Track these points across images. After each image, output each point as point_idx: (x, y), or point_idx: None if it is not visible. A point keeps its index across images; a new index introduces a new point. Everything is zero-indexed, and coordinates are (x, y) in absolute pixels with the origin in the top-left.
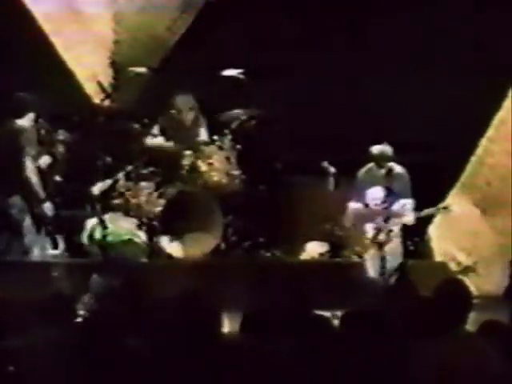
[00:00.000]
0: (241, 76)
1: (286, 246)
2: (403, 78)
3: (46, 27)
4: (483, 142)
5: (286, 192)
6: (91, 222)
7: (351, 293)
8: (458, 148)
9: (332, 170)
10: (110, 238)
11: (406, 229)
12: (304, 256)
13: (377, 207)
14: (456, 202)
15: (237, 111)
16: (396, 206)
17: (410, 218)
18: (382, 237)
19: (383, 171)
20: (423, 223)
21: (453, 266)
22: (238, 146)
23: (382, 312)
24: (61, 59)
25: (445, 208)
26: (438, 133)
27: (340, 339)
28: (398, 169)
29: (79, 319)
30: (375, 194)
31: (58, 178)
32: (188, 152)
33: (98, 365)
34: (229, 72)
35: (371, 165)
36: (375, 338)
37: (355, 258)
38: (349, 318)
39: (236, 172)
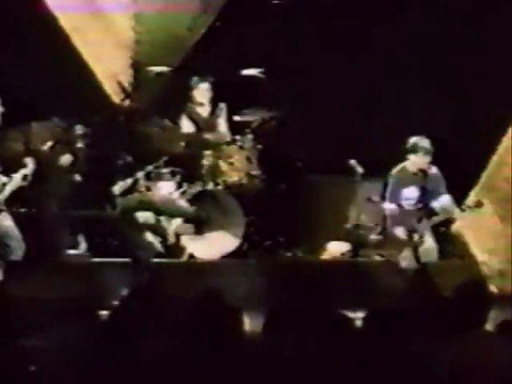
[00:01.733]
0: (261, 75)
1: (306, 245)
2: (423, 77)
3: (67, 27)
4: (504, 140)
5: (307, 191)
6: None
7: (372, 293)
8: (479, 147)
9: (360, 169)
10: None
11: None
12: (325, 256)
13: (411, 207)
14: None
15: (257, 111)
16: (435, 204)
17: (454, 212)
18: (415, 238)
19: (417, 171)
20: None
21: (485, 269)
22: (259, 146)
23: (402, 312)
24: (81, 59)
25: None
26: (459, 132)
27: (360, 339)
28: (432, 169)
29: (100, 318)
30: (409, 194)
31: (78, 178)
32: (208, 151)
33: (118, 364)
34: (249, 72)
35: (404, 164)
36: (395, 337)
37: (377, 258)
38: (370, 318)
39: (257, 172)
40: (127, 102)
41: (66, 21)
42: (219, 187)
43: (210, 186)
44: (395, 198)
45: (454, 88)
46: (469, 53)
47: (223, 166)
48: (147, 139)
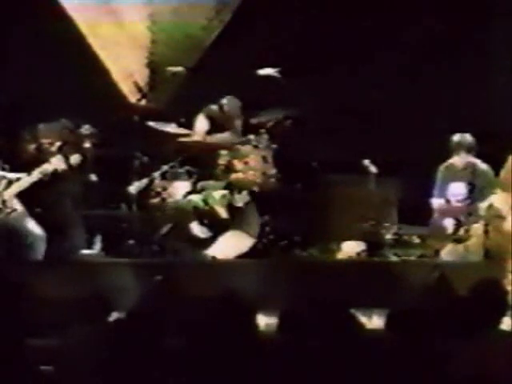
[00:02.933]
0: (277, 75)
1: (322, 245)
2: (440, 75)
3: (83, 27)
4: None
5: (322, 191)
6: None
7: (389, 293)
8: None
9: (373, 169)
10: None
11: None
12: (341, 255)
13: (458, 203)
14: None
15: (273, 110)
16: (482, 204)
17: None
18: (461, 232)
19: (465, 167)
20: None
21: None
22: (274, 146)
23: (419, 312)
24: (97, 59)
25: None
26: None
27: (377, 340)
28: (481, 165)
29: (115, 318)
30: (457, 190)
31: (93, 178)
32: (224, 151)
33: (135, 364)
34: (265, 71)
35: (452, 160)
36: (413, 337)
37: (393, 258)
38: (387, 319)
39: (272, 171)
40: (143, 102)
41: (81, 21)
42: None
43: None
44: (443, 193)
45: (471, 85)
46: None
47: (238, 165)
48: (162, 139)
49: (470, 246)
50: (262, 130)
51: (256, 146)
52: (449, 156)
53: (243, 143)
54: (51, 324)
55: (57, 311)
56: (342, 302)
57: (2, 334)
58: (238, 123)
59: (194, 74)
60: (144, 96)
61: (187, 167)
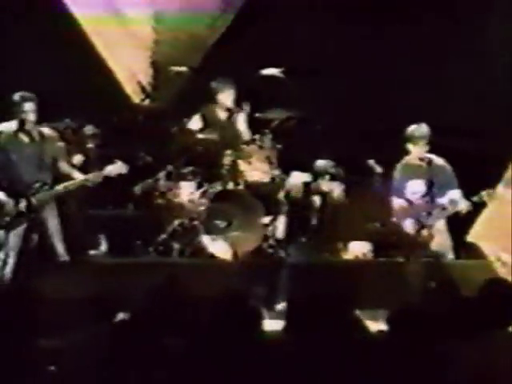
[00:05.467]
0: (281, 75)
1: (328, 245)
2: (448, 74)
3: (86, 27)
4: None
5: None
6: None
7: (395, 293)
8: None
9: (378, 169)
10: None
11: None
12: (347, 256)
13: (418, 201)
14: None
15: (277, 110)
16: (443, 199)
17: (464, 206)
18: (425, 233)
19: (422, 163)
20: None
21: (497, 266)
22: (279, 146)
23: (425, 312)
24: (101, 59)
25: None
26: (489, 121)
27: (383, 340)
28: (437, 160)
29: (119, 319)
30: (415, 188)
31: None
32: (228, 151)
33: (139, 364)
34: (269, 71)
35: (409, 157)
36: (418, 338)
37: (400, 258)
38: (393, 319)
39: (276, 171)
40: (147, 102)
41: (85, 21)
42: (239, 187)
43: (231, 185)
44: (401, 192)
45: (478, 84)
46: (499, 40)
47: (243, 165)
48: (167, 139)
49: (434, 246)
50: (266, 130)
51: (260, 147)
52: (404, 148)
53: (248, 143)
54: (58, 325)
55: (63, 312)
56: (348, 302)
57: (11, 335)
58: (241, 121)
59: (198, 74)
60: (148, 96)
61: (192, 167)
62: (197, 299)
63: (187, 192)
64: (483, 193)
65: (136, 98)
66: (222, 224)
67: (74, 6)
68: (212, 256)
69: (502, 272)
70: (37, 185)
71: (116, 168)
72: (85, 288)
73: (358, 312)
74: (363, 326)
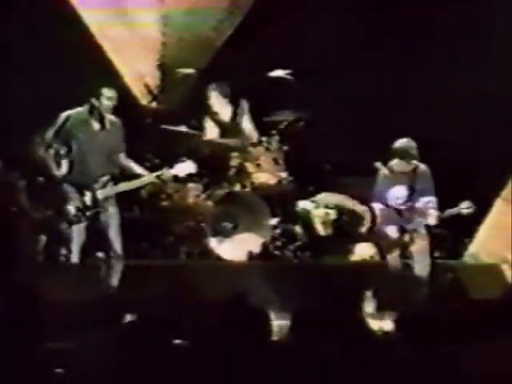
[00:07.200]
0: (288, 77)
1: (334, 247)
2: (454, 79)
3: (94, 29)
4: None
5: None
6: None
7: (401, 295)
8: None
9: (385, 171)
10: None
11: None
12: (353, 258)
13: (400, 207)
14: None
15: (284, 112)
16: (419, 204)
17: (432, 219)
18: (406, 238)
19: (405, 169)
20: (473, 223)
21: (505, 268)
22: (286, 148)
23: (432, 316)
24: (108, 61)
25: (467, 208)
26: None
27: (390, 343)
28: (422, 167)
29: (127, 321)
30: (398, 193)
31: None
32: (235, 153)
33: (146, 366)
34: (276, 73)
35: (392, 163)
36: (425, 341)
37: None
38: (400, 321)
39: (284, 173)
40: (154, 104)
41: (92, 23)
42: (246, 189)
43: (237, 187)
44: (382, 198)
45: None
46: (488, 51)
47: (250, 167)
48: (174, 141)
49: (415, 250)
50: (274, 132)
51: (267, 149)
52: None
53: (255, 145)
54: (66, 326)
55: (72, 313)
56: (354, 304)
57: (18, 337)
58: (246, 121)
59: (205, 76)
60: (155, 98)
61: (199, 169)
62: (204, 301)
63: (194, 194)
64: (463, 205)
65: (143, 100)
66: (228, 226)
67: (81, 7)
68: (219, 258)
69: (510, 274)
70: (104, 178)
71: (186, 167)
72: (93, 290)
73: (364, 314)
74: (370, 328)
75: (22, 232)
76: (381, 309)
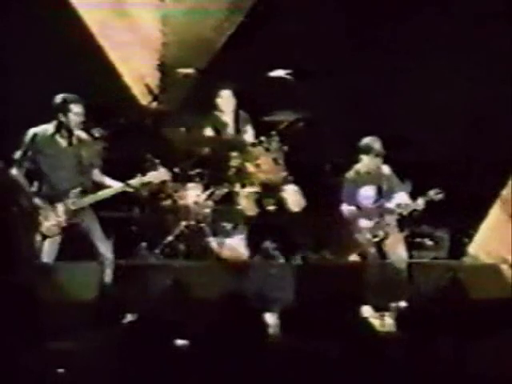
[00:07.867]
0: (288, 77)
1: (334, 247)
2: (455, 80)
3: (94, 29)
4: None
5: (334, 193)
6: None
7: (401, 294)
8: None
9: (387, 170)
10: None
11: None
12: (353, 257)
13: (370, 206)
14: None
15: (284, 112)
16: (392, 202)
17: (416, 206)
18: (380, 234)
19: (370, 170)
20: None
21: (504, 268)
22: (286, 148)
23: (431, 314)
24: (108, 61)
25: (436, 194)
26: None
27: (390, 340)
28: (384, 169)
29: (127, 321)
30: (367, 193)
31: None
32: (235, 153)
33: (146, 366)
34: (276, 73)
35: (358, 165)
36: (424, 339)
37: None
38: (399, 319)
39: (283, 173)
40: (154, 104)
41: (93, 23)
42: (246, 189)
43: (237, 187)
44: (352, 199)
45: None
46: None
47: (250, 167)
48: (174, 141)
49: (389, 245)
50: (273, 132)
51: (267, 149)
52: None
53: (254, 145)
54: (66, 327)
55: (71, 314)
56: (354, 302)
57: (18, 338)
58: (249, 131)
59: (205, 76)
60: (155, 98)
61: (199, 170)
62: (203, 301)
63: (194, 194)
64: (431, 192)
65: (144, 100)
66: (228, 226)
67: (81, 7)
68: (218, 258)
69: (509, 274)
70: (76, 190)
71: (159, 175)
72: (93, 290)
73: (364, 311)
74: (370, 325)
75: (22, 232)
76: (379, 308)
